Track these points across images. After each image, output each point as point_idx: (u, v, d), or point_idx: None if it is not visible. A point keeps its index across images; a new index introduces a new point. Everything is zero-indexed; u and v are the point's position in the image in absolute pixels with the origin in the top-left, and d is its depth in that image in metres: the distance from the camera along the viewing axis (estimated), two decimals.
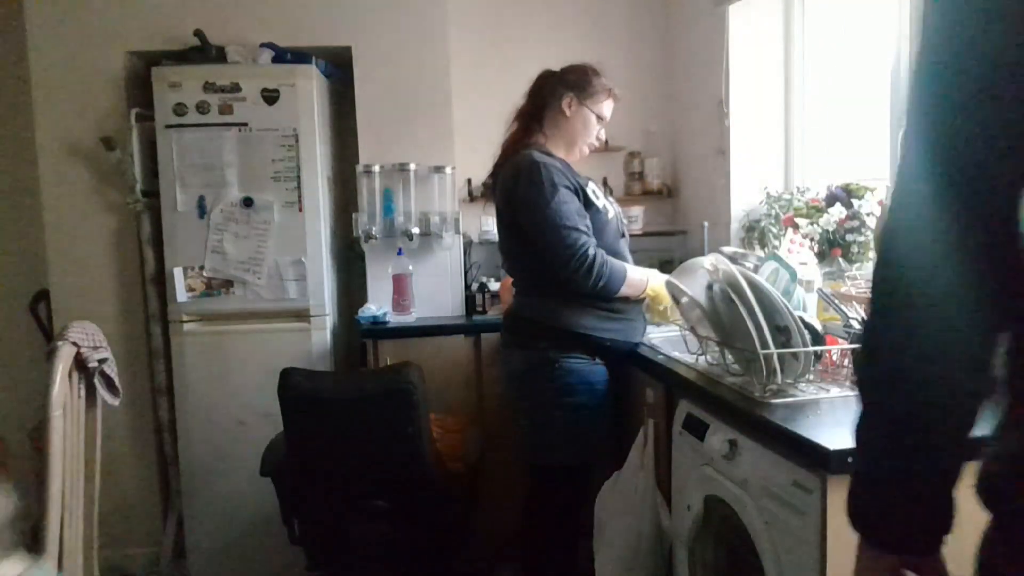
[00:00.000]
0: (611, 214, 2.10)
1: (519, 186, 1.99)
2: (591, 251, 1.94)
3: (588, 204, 2.03)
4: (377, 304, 2.82)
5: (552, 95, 2.11)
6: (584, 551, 2.17)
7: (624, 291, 2.02)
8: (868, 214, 2.22)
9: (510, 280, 2.74)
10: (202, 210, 2.64)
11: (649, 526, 1.88)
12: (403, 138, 2.86)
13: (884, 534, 0.75)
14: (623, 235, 2.16)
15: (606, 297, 2.02)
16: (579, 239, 1.94)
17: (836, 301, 1.81)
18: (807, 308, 1.89)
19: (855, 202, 2.26)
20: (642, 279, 2.07)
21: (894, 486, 0.72)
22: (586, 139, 2.15)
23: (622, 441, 2.09)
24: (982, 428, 0.67)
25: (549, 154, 2.06)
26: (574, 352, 2.02)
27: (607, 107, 2.15)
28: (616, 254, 2.06)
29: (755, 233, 2.64)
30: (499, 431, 2.64)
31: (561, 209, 1.94)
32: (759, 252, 2.42)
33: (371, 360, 2.68)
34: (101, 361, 1.56)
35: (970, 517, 0.68)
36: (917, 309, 0.65)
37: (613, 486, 2.03)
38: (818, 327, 1.61)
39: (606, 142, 2.48)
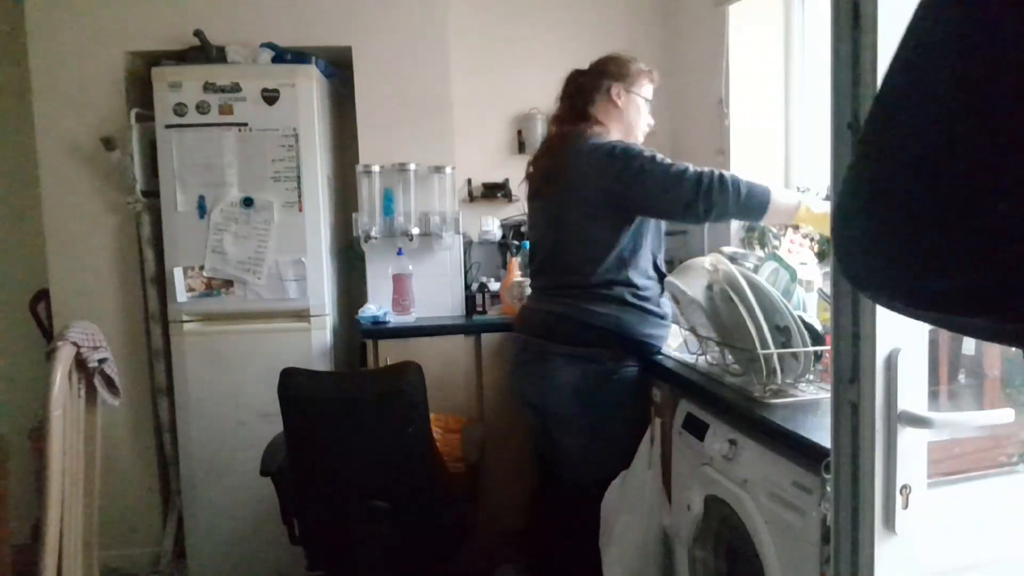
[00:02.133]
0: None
1: (618, 157, 1.92)
2: (706, 169, 1.86)
3: None
4: (377, 304, 2.82)
5: (596, 89, 2.08)
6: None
7: (770, 215, 1.88)
8: None
9: (510, 280, 2.74)
10: (202, 210, 2.64)
11: (658, 525, 1.87)
12: (403, 138, 2.86)
13: None
14: (661, 241, 2.12)
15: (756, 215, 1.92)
16: (688, 167, 1.87)
17: None
18: (807, 308, 1.89)
19: None
20: (791, 201, 1.91)
21: None
22: (640, 125, 2.12)
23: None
24: None
25: None
26: (628, 361, 1.97)
27: (650, 90, 2.13)
28: (656, 257, 2.04)
29: (755, 233, 2.63)
30: (499, 431, 2.64)
31: (665, 160, 1.90)
32: (759, 252, 2.41)
33: (371, 360, 2.68)
34: (101, 361, 1.56)
35: None
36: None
37: (620, 485, 2.03)
38: (818, 327, 1.61)
39: None
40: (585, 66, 2.15)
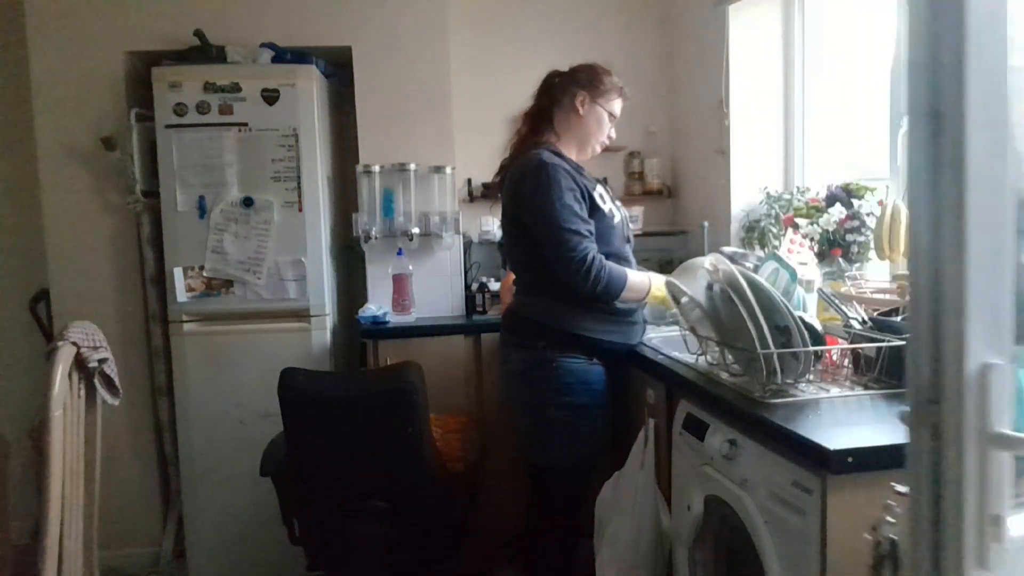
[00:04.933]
0: (617, 218, 2.10)
1: (526, 186, 1.99)
2: (591, 255, 1.94)
3: (594, 207, 2.02)
4: (377, 304, 2.82)
5: (563, 94, 2.12)
6: (585, 551, 2.17)
7: (625, 295, 2.02)
8: (868, 214, 2.22)
9: (510, 280, 2.74)
10: (202, 210, 2.64)
11: (650, 526, 1.87)
12: (403, 138, 2.86)
13: None
14: (628, 240, 2.16)
15: (608, 300, 2.02)
16: (580, 243, 1.94)
17: (836, 301, 1.81)
18: (807, 308, 1.89)
19: (855, 202, 2.26)
20: (643, 283, 2.06)
21: None
22: (599, 138, 2.16)
23: (623, 441, 2.09)
24: None
25: (559, 154, 2.06)
26: (572, 352, 2.02)
27: (618, 105, 2.17)
28: (620, 258, 2.06)
29: (755, 233, 2.64)
30: (499, 431, 2.64)
31: (564, 212, 1.94)
32: (759, 252, 2.41)
33: (371, 360, 2.68)
34: (101, 361, 1.56)
35: None
36: None
37: (614, 486, 2.03)
38: (818, 327, 1.61)
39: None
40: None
